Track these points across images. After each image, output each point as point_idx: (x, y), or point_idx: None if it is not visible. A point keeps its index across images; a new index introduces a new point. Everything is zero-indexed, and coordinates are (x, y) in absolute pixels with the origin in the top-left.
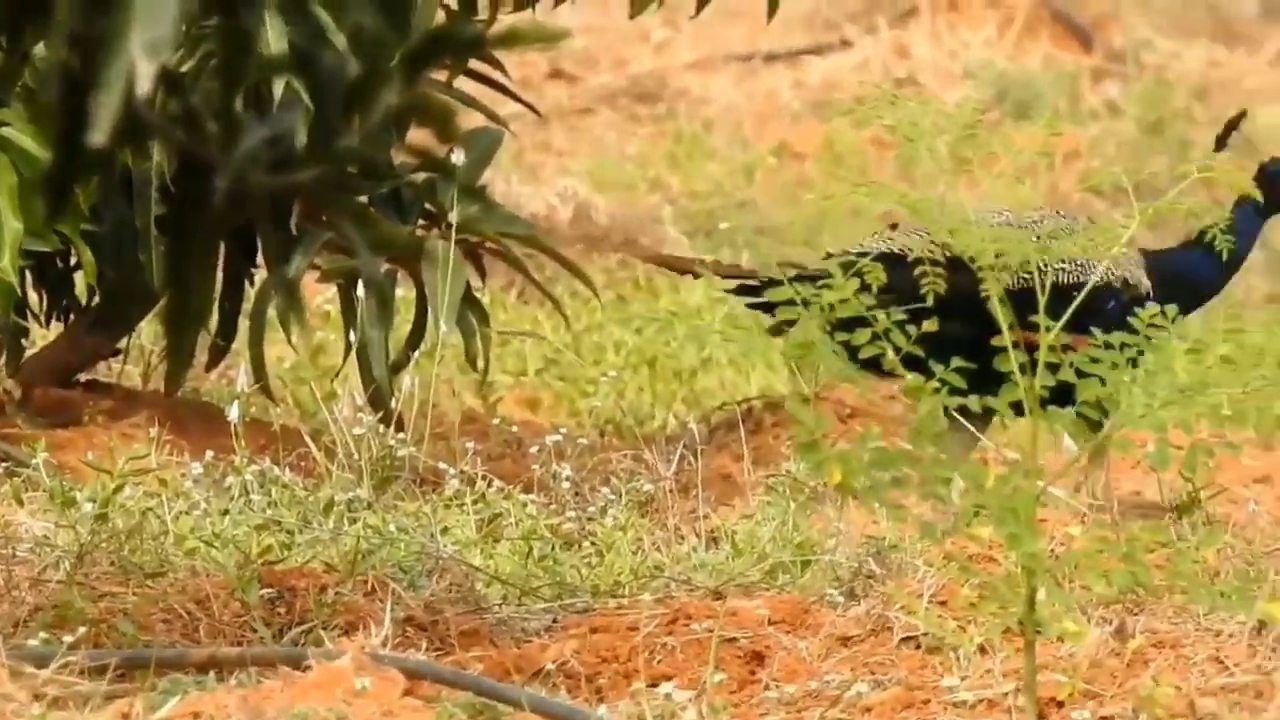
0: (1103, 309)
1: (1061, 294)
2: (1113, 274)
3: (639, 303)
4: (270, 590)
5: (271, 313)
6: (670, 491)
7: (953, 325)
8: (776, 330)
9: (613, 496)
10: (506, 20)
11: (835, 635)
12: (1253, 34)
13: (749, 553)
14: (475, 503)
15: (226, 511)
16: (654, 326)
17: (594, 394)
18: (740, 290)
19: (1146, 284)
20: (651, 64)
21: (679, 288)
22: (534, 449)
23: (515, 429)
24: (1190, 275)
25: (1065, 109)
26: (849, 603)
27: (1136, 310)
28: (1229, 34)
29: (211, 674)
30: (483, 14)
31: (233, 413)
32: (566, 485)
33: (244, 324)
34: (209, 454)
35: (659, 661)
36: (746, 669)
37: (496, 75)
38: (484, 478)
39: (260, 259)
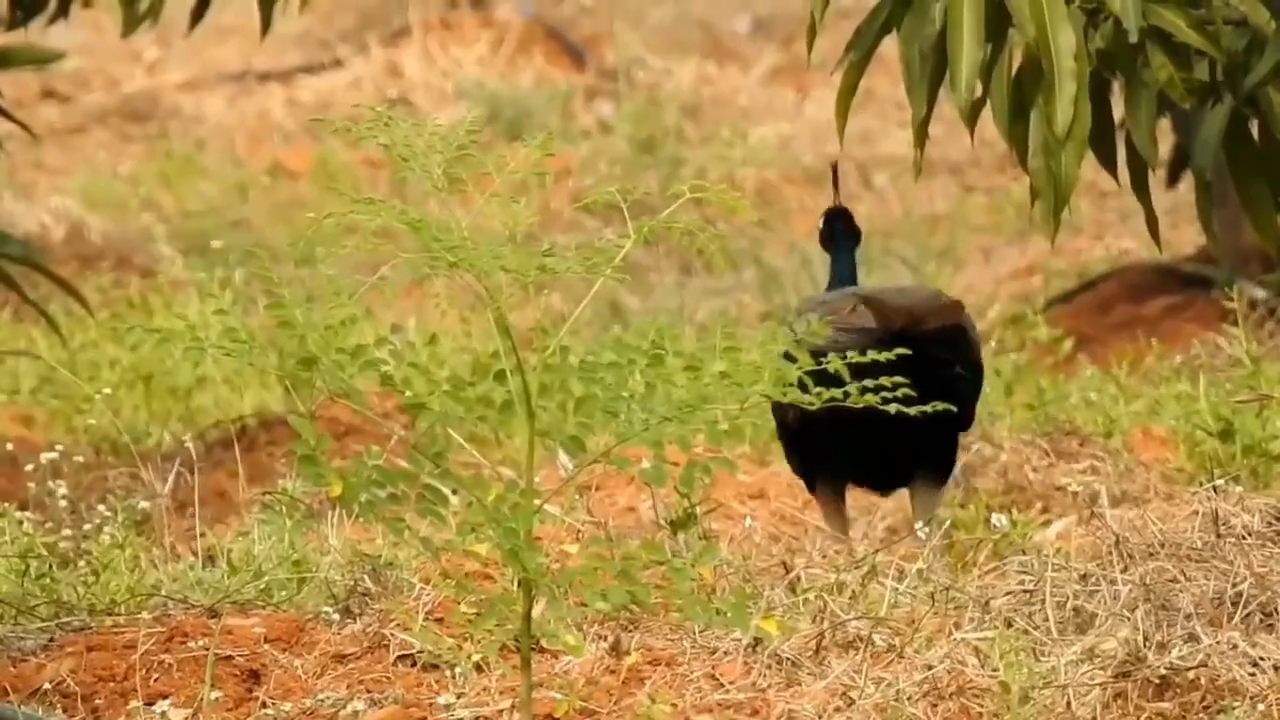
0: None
1: (981, 369)
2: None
3: (134, 320)
4: None
5: None
6: (167, 509)
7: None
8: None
9: (109, 514)
10: None
11: (331, 653)
12: (744, 51)
13: (245, 570)
14: None
15: None
16: (150, 343)
17: (89, 411)
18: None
19: None
20: (144, 83)
21: (172, 304)
22: (29, 467)
23: (10, 447)
24: None
25: (558, 127)
26: (345, 620)
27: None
28: (720, 51)
29: None
30: None
31: None
32: (63, 503)
33: None
34: None
35: (156, 680)
36: (243, 687)
37: None
38: None
39: None
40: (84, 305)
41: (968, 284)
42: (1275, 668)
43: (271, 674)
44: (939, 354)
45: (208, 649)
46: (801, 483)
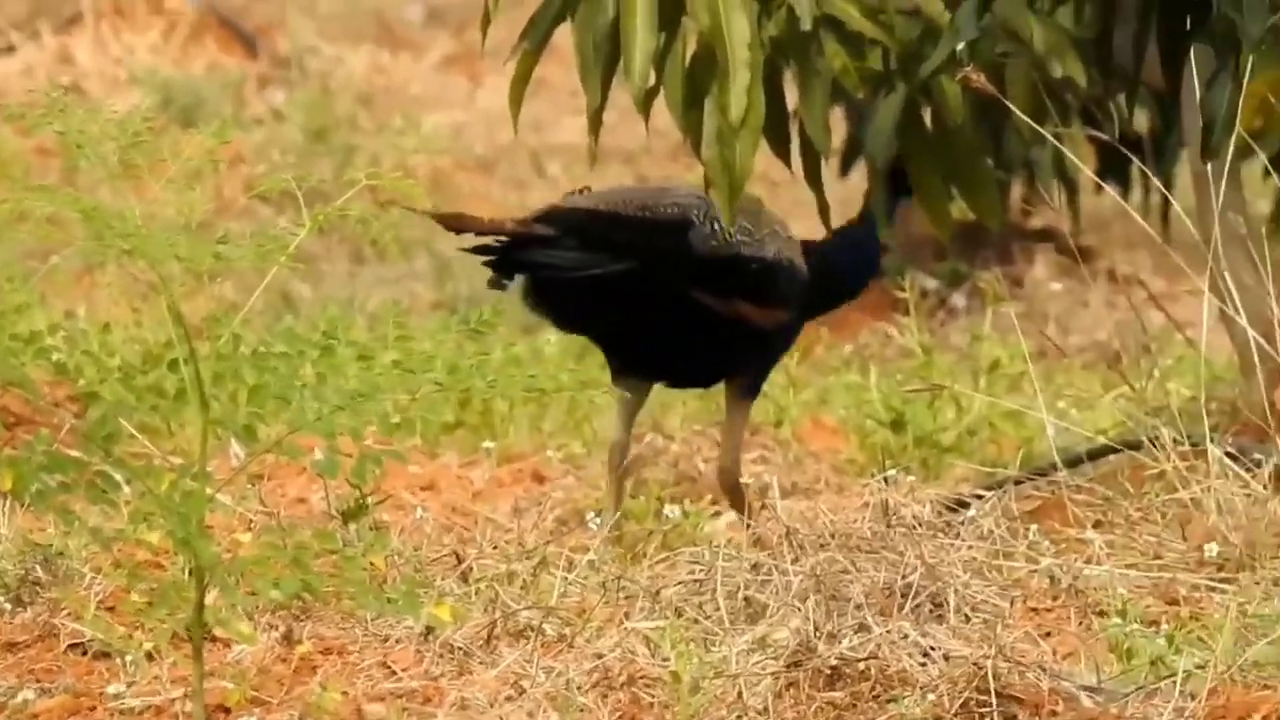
0: (787, 288)
1: (743, 268)
2: (783, 255)
3: None
4: None
5: None
6: None
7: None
8: (494, 285)
9: None
10: None
11: (2, 642)
12: (416, 40)
13: None
14: None
15: None
16: None
17: None
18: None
19: (805, 271)
20: None
21: None
22: None
23: None
24: (844, 268)
25: (231, 115)
26: (16, 609)
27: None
28: (393, 40)
29: None
30: None
31: None
32: None
33: None
34: None
35: None
36: None
37: None
38: None
39: None
40: None
41: None
42: (945, 657)
43: None
44: (528, 259)
45: None
46: (472, 475)
